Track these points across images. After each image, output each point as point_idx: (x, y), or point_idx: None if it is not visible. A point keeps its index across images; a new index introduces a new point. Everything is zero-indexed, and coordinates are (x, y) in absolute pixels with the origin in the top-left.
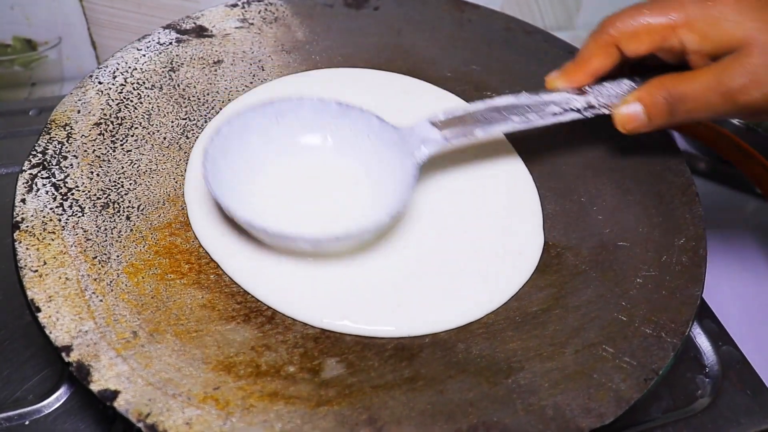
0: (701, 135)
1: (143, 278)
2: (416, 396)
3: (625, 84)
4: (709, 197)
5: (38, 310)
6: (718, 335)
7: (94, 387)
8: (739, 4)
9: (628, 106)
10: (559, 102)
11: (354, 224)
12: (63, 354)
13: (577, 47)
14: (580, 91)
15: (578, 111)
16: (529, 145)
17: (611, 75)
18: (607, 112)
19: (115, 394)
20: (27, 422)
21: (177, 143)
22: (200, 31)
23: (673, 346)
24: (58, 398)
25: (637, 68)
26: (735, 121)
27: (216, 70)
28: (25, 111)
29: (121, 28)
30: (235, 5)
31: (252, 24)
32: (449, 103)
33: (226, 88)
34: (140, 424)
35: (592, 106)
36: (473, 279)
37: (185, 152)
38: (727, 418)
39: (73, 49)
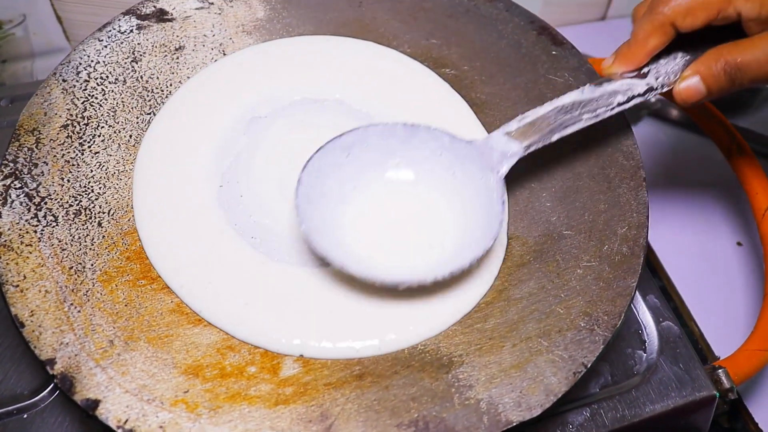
0: None
1: (116, 286)
2: (364, 393)
3: (679, 57)
4: (681, 146)
5: (22, 325)
6: (660, 311)
7: (77, 397)
8: None
9: (688, 80)
10: (623, 91)
11: (459, 260)
12: (48, 367)
13: (539, 17)
14: (639, 74)
15: (641, 95)
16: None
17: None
18: (667, 89)
19: (96, 403)
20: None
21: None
22: (160, 15)
23: (604, 339)
24: (52, 391)
25: (687, 37)
26: None
27: (178, 58)
28: None
29: (83, 0)
30: None
31: (212, 4)
32: (419, 73)
33: (188, 77)
34: (119, 431)
35: (652, 89)
36: (432, 292)
37: None
38: (659, 392)
39: (39, 24)
